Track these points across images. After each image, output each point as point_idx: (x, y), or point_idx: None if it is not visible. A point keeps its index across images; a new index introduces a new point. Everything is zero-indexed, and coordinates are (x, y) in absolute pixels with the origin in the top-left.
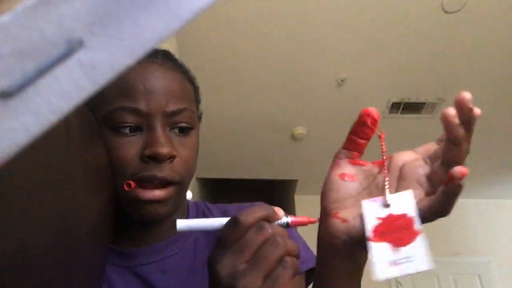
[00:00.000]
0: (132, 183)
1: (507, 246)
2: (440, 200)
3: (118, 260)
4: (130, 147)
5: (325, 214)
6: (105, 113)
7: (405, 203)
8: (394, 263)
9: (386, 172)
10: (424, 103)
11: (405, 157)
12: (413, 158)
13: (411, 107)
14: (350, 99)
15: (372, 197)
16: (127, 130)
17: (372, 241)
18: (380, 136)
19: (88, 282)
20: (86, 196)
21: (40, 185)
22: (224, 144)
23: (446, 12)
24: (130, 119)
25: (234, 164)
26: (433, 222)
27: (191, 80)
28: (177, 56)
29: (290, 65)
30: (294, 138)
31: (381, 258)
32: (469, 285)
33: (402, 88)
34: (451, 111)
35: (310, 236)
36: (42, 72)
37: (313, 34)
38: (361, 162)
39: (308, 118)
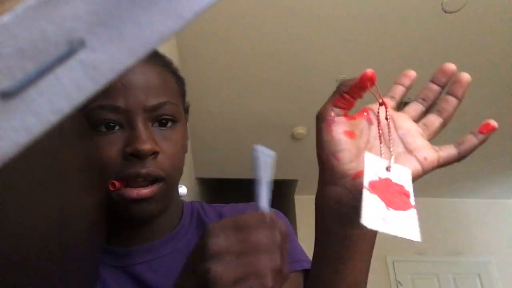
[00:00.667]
0: (116, 182)
1: (507, 246)
2: (474, 146)
3: (110, 260)
4: (112, 145)
5: (340, 177)
6: (84, 113)
7: (404, 177)
8: (383, 219)
9: (389, 134)
10: None
11: (403, 123)
12: (410, 127)
13: None
14: None
15: (374, 152)
16: (106, 129)
17: (368, 190)
18: (381, 103)
19: (83, 280)
20: (79, 194)
21: (33, 183)
22: (224, 144)
23: (446, 12)
24: (110, 117)
25: (234, 164)
26: (433, 223)
27: (173, 73)
28: (177, 56)
29: (290, 65)
30: (294, 138)
31: (372, 210)
32: (469, 285)
33: None
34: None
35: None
36: (43, 72)
37: (313, 33)
38: (354, 116)
39: (308, 118)
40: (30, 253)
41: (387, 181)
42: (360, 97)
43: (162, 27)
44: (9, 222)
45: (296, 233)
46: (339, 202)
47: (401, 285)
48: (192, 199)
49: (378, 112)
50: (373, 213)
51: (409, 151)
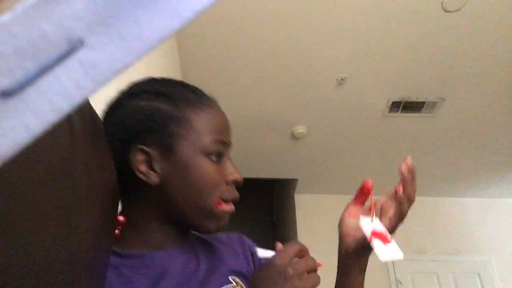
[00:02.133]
0: (220, 202)
1: (507, 245)
2: (401, 208)
3: (138, 263)
4: (219, 173)
5: (352, 238)
6: (204, 144)
7: (380, 225)
8: (387, 251)
9: (374, 208)
10: (424, 103)
11: (382, 200)
12: (386, 199)
13: (411, 107)
14: (350, 99)
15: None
16: (217, 158)
17: (373, 237)
18: (372, 201)
19: (90, 282)
20: (88, 195)
21: (40, 182)
22: None
23: (446, 11)
24: (221, 150)
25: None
26: (433, 222)
27: None
28: (177, 56)
29: (290, 64)
30: (294, 137)
31: (380, 248)
32: (469, 284)
33: (402, 88)
34: (406, 169)
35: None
36: (42, 71)
37: (313, 33)
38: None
39: (308, 118)
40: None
41: (374, 230)
42: (365, 200)
43: (162, 26)
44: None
45: (296, 233)
46: (354, 246)
47: (401, 284)
48: None
49: (372, 202)
50: (382, 250)
51: (384, 214)
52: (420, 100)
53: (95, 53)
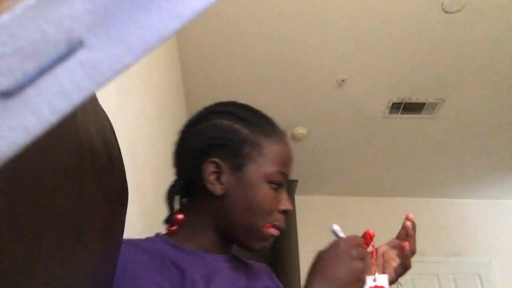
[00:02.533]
0: (269, 226)
1: (508, 246)
2: (406, 261)
3: (193, 259)
4: (275, 201)
5: None
6: (269, 171)
7: (383, 280)
8: None
9: (375, 261)
10: (424, 103)
11: (384, 248)
12: (388, 249)
13: (411, 107)
14: (350, 99)
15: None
16: (276, 187)
17: None
18: (373, 247)
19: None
20: (96, 199)
21: (47, 186)
22: None
23: (446, 12)
24: (281, 181)
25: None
26: (433, 223)
27: None
28: (177, 56)
29: (290, 65)
30: (294, 138)
31: None
32: (470, 286)
33: (402, 88)
34: (411, 225)
35: None
36: (42, 71)
37: (313, 34)
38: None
39: (309, 119)
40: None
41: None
42: (368, 245)
43: (162, 26)
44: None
45: (296, 233)
46: None
47: (401, 285)
48: None
49: (373, 248)
50: None
51: (387, 265)
52: (420, 101)
53: (95, 53)
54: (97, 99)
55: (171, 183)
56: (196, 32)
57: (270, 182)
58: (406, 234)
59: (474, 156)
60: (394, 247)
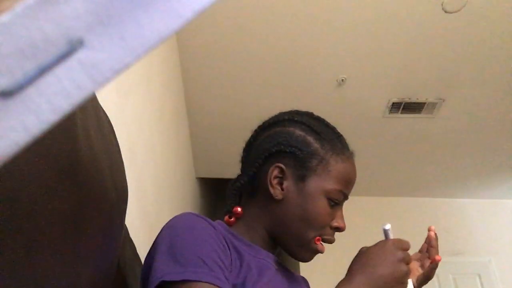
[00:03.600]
0: (320, 239)
1: (507, 246)
2: (431, 272)
3: (250, 250)
4: (330, 216)
5: None
6: (330, 188)
7: (408, 284)
8: None
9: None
10: (424, 103)
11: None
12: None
13: (411, 107)
14: (350, 99)
15: None
16: (334, 204)
17: None
18: None
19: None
20: (96, 198)
21: (47, 185)
22: (224, 144)
23: (446, 12)
24: (339, 199)
25: (234, 164)
26: (433, 223)
27: None
28: (177, 56)
29: (290, 65)
30: None
31: None
32: (469, 285)
33: (402, 88)
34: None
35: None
36: (42, 71)
37: (313, 34)
38: None
39: None
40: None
41: None
42: None
43: (162, 26)
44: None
45: None
46: None
47: None
48: (192, 199)
49: None
50: None
51: (411, 274)
52: (420, 101)
53: (95, 53)
54: (97, 99)
55: (236, 177)
56: (196, 32)
57: (329, 198)
58: (430, 245)
59: (474, 155)
60: (417, 259)
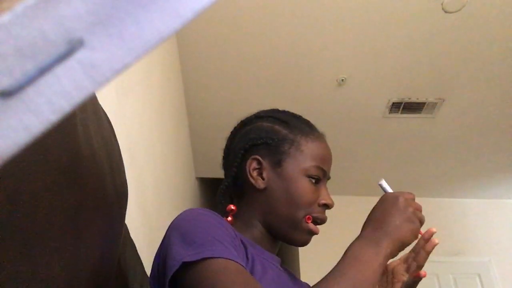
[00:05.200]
0: (310, 218)
1: (507, 246)
2: (413, 285)
3: (254, 250)
4: (314, 194)
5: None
6: (307, 166)
7: None
8: None
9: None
10: (424, 103)
11: (394, 263)
12: (398, 263)
13: (411, 107)
14: (350, 99)
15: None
16: (315, 181)
17: None
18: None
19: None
20: (97, 198)
21: (47, 185)
22: (224, 144)
23: (446, 12)
24: (319, 175)
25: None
26: (433, 223)
27: None
28: (177, 56)
29: (290, 65)
30: None
31: None
32: (469, 285)
33: (402, 88)
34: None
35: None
36: (42, 71)
37: (313, 34)
38: None
39: (308, 118)
40: (40, 257)
41: None
42: None
43: (162, 26)
44: (19, 226)
45: None
46: None
47: None
48: (192, 199)
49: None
50: None
51: (396, 280)
52: (420, 101)
53: (95, 53)
54: (97, 99)
55: (221, 185)
56: (196, 32)
57: (309, 176)
58: (424, 248)
59: (474, 156)
60: (404, 261)
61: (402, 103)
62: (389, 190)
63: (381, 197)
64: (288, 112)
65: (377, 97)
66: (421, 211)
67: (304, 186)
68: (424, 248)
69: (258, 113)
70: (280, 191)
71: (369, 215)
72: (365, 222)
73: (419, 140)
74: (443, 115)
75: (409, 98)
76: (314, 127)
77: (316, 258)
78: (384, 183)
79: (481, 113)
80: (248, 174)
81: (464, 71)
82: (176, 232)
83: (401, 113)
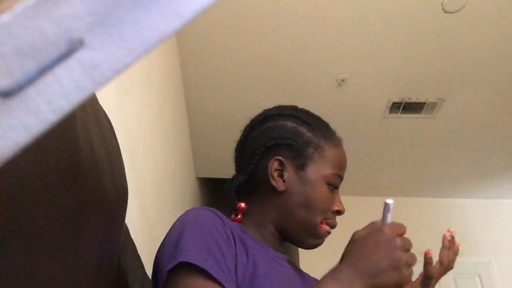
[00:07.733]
0: (323, 222)
1: (507, 246)
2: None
3: (259, 248)
4: (330, 200)
5: None
6: (328, 173)
7: None
8: None
9: None
10: (424, 103)
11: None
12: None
13: (411, 107)
14: (350, 99)
15: None
16: (332, 188)
17: None
18: None
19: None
20: (96, 198)
21: (47, 184)
22: (224, 144)
23: (446, 12)
24: (337, 183)
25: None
26: (433, 223)
27: None
28: (177, 56)
29: (290, 65)
30: None
31: None
32: (469, 285)
33: (402, 88)
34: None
35: None
36: (42, 71)
37: (313, 34)
38: None
39: None
40: (41, 258)
41: None
42: None
43: (162, 26)
44: (20, 227)
45: None
46: None
47: None
48: (192, 199)
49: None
50: None
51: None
52: (420, 101)
53: (95, 53)
54: (97, 99)
55: (232, 178)
56: (196, 32)
57: (328, 183)
58: (443, 245)
59: (474, 156)
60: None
61: (402, 103)
62: (389, 218)
63: (369, 225)
64: (308, 112)
65: (377, 97)
66: (410, 249)
67: (323, 192)
68: (443, 245)
69: (277, 109)
70: (299, 195)
71: (350, 241)
72: (345, 250)
73: (419, 140)
74: (443, 115)
75: (409, 98)
76: (334, 131)
77: (315, 258)
78: (391, 205)
79: (481, 113)
80: (269, 175)
81: (464, 71)
82: (176, 231)
83: (401, 113)
